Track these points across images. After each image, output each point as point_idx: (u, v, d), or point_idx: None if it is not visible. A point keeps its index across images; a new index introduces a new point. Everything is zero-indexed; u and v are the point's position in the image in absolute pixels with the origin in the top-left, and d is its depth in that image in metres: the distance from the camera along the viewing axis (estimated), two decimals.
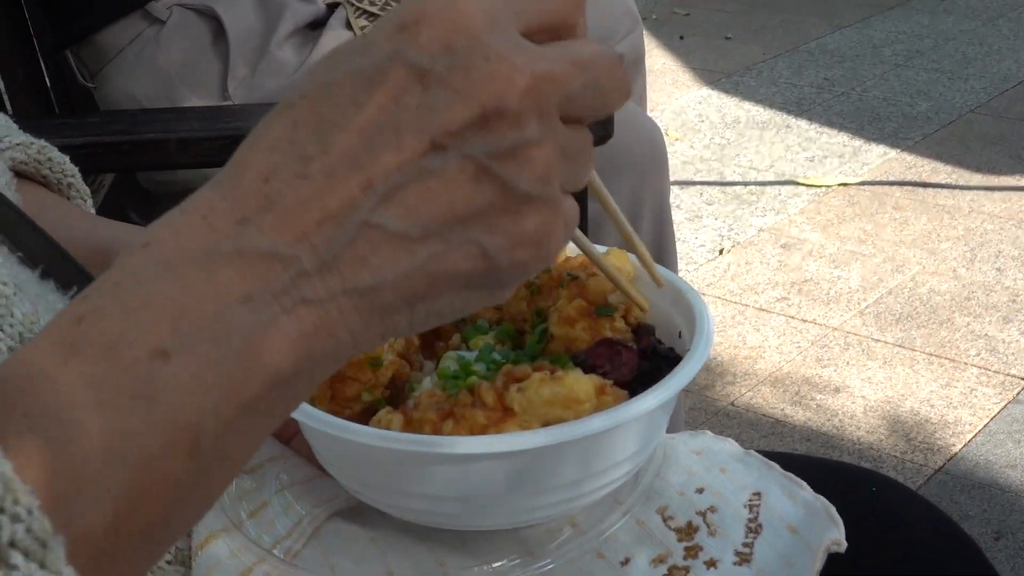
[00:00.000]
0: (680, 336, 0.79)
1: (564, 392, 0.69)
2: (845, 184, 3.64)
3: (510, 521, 0.74)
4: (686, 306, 0.79)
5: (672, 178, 3.72)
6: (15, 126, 1.02)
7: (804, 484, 0.78)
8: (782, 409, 2.64)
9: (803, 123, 4.10)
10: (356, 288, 0.53)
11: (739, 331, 2.94)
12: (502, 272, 0.56)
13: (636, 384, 0.74)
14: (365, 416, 0.74)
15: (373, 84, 0.53)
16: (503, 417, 0.69)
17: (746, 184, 3.69)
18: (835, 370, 2.76)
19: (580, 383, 0.69)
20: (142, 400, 0.49)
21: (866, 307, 3.00)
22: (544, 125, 0.55)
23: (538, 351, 0.78)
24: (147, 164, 1.78)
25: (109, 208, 2.01)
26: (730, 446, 0.83)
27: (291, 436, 0.84)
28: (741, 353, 2.85)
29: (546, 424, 0.69)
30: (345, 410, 0.74)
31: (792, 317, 2.98)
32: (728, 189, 3.67)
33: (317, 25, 2.01)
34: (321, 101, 0.54)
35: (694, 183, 3.72)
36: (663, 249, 2.18)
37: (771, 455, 0.81)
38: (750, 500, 0.77)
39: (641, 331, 0.80)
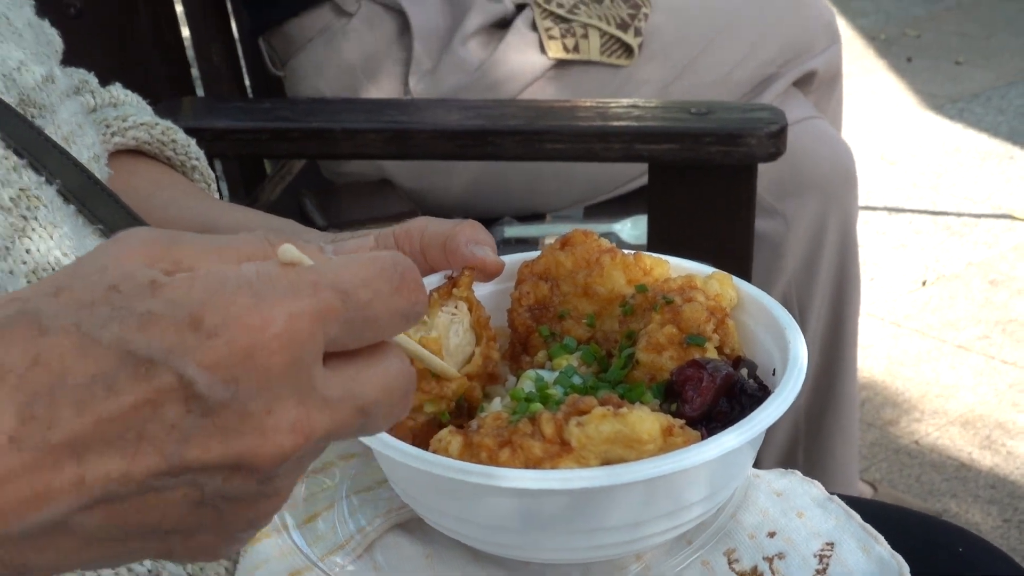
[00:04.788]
0: (774, 374, 0.74)
1: (626, 431, 0.64)
2: None
3: (568, 557, 0.70)
4: (783, 344, 0.74)
5: (882, 203, 3.59)
6: (146, 107, 1.03)
7: (881, 538, 0.72)
8: (969, 453, 2.50)
9: None
10: (26, 566, 0.49)
11: (933, 367, 2.80)
12: (180, 558, 0.53)
13: (715, 424, 0.69)
14: (430, 427, 0.72)
15: (136, 377, 0.47)
16: (560, 451, 0.65)
17: (959, 215, 3.53)
18: None
19: (644, 423, 0.64)
20: None
21: None
22: (291, 479, 0.51)
23: (620, 377, 0.73)
24: (312, 152, 1.79)
25: (289, 195, 2.04)
26: (815, 489, 0.77)
27: None
28: (932, 390, 2.72)
29: (605, 462, 0.65)
30: (408, 421, 0.71)
31: (992, 357, 2.83)
32: (939, 219, 3.52)
33: (503, 24, 1.99)
34: (72, 355, 0.47)
35: (904, 210, 3.58)
36: (846, 275, 2.09)
37: (859, 503, 0.75)
38: (822, 550, 0.71)
39: (739, 365, 0.75)
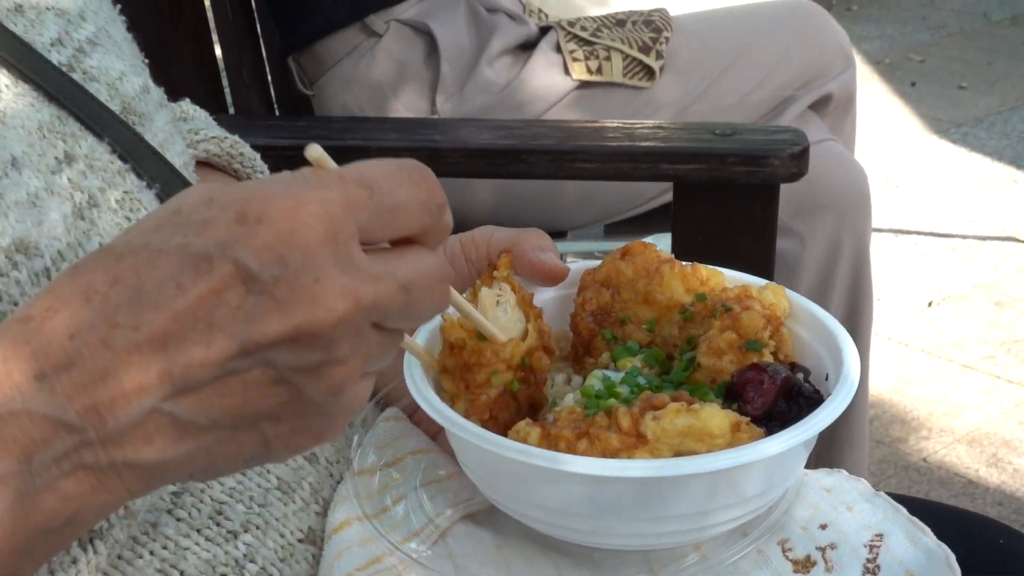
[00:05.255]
0: (827, 379, 0.78)
1: (699, 425, 0.69)
2: None
3: (635, 543, 0.75)
4: (836, 350, 0.78)
5: (888, 226, 3.64)
6: (213, 122, 1.08)
7: (928, 530, 0.77)
8: (976, 470, 2.55)
9: None
10: (136, 463, 0.55)
11: (940, 386, 2.85)
12: (278, 453, 0.59)
13: (775, 423, 0.73)
14: (504, 400, 0.75)
15: (199, 272, 0.54)
16: (636, 443, 0.69)
17: (964, 237, 3.58)
18: None
19: (715, 418, 0.69)
20: None
21: None
22: (354, 345, 0.56)
23: (683, 378, 0.78)
24: None
25: None
26: (861, 485, 0.81)
27: (437, 432, 0.86)
28: (940, 409, 2.77)
29: (678, 454, 0.70)
30: (481, 396, 0.75)
31: (998, 377, 2.87)
32: (945, 241, 3.57)
33: (528, 46, 2.04)
34: (145, 267, 0.54)
35: (910, 232, 3.63)
36: (859, 294, 2.14)
37: (903, 499, 0.80)
38: (871, 540, 0.75)
39: (794, 371, 0.79)
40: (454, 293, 0.70)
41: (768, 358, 0.77)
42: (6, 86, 0.73)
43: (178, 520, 0.73)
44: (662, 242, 2.00)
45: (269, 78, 2.14)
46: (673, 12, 2.14)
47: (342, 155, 1.66)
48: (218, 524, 0.74)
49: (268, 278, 0.54)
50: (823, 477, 0.82)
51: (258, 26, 2.11)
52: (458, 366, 0.74)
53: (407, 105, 1.98)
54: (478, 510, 0.81)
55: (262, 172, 1.07)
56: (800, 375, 0.76)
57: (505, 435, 0.72)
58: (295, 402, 0.56)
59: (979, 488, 2.49)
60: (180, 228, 0.55)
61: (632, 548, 0.75)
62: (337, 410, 0.58)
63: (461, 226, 2.24)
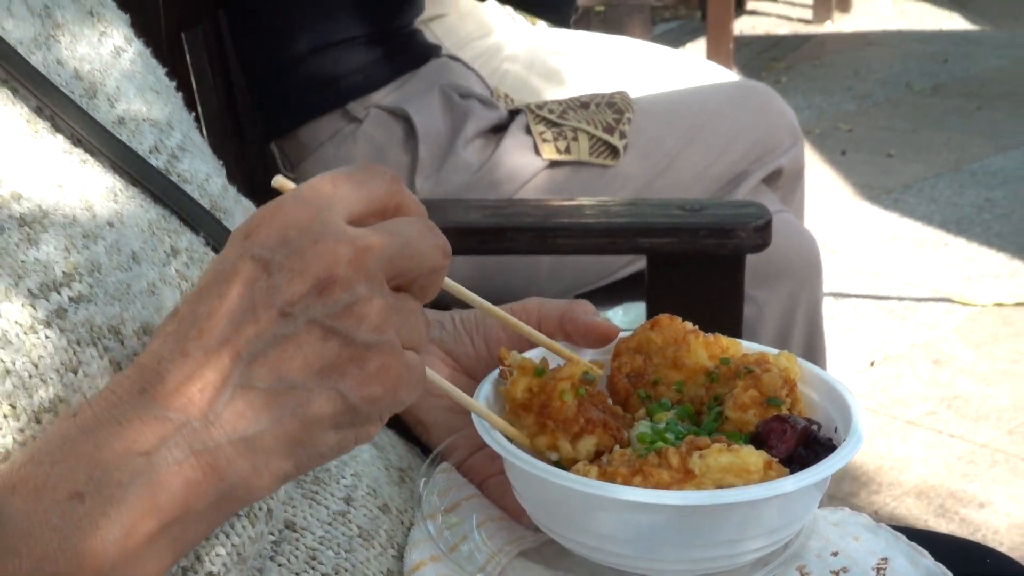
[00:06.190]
0: (836, 431, 0.90)
1: (739, 462, 0.81)
2: (1000, 304, 3.67)
3: (678, 569, 0.85)
4: (842, 405, 0.90)
5: (827, 289, 3.79)
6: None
7: (926, 553, 0.89)
8: (925, 521, 2.68)
9: (962, 242, 4.14)
10: (239, 437, 0.67)
11: (887, 442, 2.99)
12: (359, 410, 0.70)
13: (795, 465, 0.85)
14: (585, 411, 0.87)
15: (229, 279, 0.68)
16: (684, 478, 0.81)
17: (901, 299, 3.75)
18: (980, 486, 2.80)
19: (753, 456, 0.81)
20: (57, 532, 0.65)
21: (1015, 426, 3.03)
22: (371, 285, 0.68)
23: (714, 428, 0.89)
24: None
25: None
26: (864, 519, 0.93)
27: (483, 480, 0.97)
28: (887, 464, 2.91)
29: (719, 488, 0.81)
30: (565, 411, 0.86)
31: (940, 431, 3.02)
32: (882, 303, 3.73)
33: (499, 129, 2.17)
34: (194, 301, 0.69)
35: (849, 295, 3.79)
36: (814, 356, 2.27)
37: (899, 528, 0.92)
38: (878, 564, 0.87)
39: (806, 422, 0.91)
40: (534, 332, 0.89)
41: (785, 413, 0.89)
42: (120, 190, 0.83)
43: (279, 566, 0.83)
44: (630, 311, 2.13)
45: (252, 163, 2.25)
46: (632, 94, 2.29)
47: None
48: (313, 568, 0.85)
49: (280, 257, 0.67)
50: (829, 514, 0.94)
51: (239, 115, 2.22)
52: (534, 404, 0.85)
53: None
54: (531, 547, 0.91)
55: None
56: (814, 427, 0.88)
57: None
58: (347, 347, 0.68)
59: None
60: (209, 267, 0.71)
61: (674, 573, 0.86)
62: (389, 349, 0.69)
63: (441, 299, 2.35)
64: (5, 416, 0.69)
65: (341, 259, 0.67)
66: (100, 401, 0.68)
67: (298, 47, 2.11)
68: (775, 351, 0.93)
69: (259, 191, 2.27)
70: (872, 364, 3.37)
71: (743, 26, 7.20)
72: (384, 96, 2.12)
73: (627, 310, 2.08)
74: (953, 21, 7.34)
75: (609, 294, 2.22)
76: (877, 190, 4.66)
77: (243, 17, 2.16)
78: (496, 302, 0.94)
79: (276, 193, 0.73)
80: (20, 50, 0.83)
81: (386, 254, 0.69)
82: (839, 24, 7.35)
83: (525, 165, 2.11)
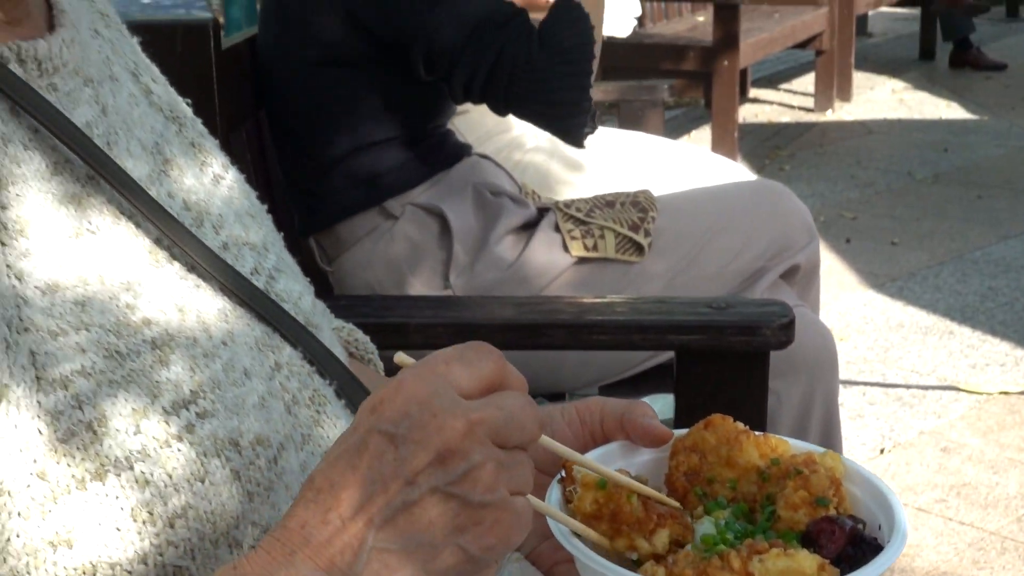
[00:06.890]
0: (880, 529, 0.98)
1: (795, 566, 0.88)
2: (1006, 392, 3.75)
3: None
4: (886, 505, 0.98)
5: None
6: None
7: None
8: None
9: (966, 330, 4.22)
10: None
11: None
12: (478, 559, 0.77)
13: (844, 565, 0.92)
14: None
15: (360, 452, 0.76)
16: None
17: (908, 387, 3.82)
18: (991, 573, 2.86)
19: (807, 560, 0.88)
20: None
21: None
22: (483, 452, 0.77)
23: (767, 527, 0.97)
24: (385, 344, 2.02)
25: None
26: None
27: (551, 567, 1.04)
28: None
29: None
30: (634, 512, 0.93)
31: (950, 519, 3.09)
32: (890, 391, 3.81)
33: (529, 226, 2.26)
34: (329, 472, 0.76)
35: (857, 383, 3.87)
36: (831, 445, 2.35)
37: None
38: None
39: (852, 521, 0.99)
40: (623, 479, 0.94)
41: (832, 512, 0.96)
42: (229, 311, 0.92)
43: None
44: (655, 403, 2.21)
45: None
46: (651, 189, 2.39)
47: (385, 331, 1.86)
48: None
49: (404, 430, 0.75)
50: None
51: (275, 212, 2.31)
52: (603, 513, 0.93)
53: (423, 281, 2.19)
54: None
55: (372, 353, 1.26)
56: (860, 526, 0.96)
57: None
58: (466, 509, 0.76)
59: None
60: (340, 440, 0.78)
61: None
62: (502, 505, 0.77)
63: None
64: (144, 523, 0.78)
65: (457, 432, 0.75)
66: (256, 559, 0.76)
67: (337, 147, 2.21)
68: (821, 450, 1.01)
69: None
70: (882, 451, 3.44)
71: (745, 113, 7.33)
72: (420, 194, 2.22)
73: (652, 402, 2.15)
74: (952, 110, 7.49)
75: (633, 384, 2.30)
76: (882, 278, 4.76)
77: (283, 117, 2.26)
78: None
79: None
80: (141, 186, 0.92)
81: (495, 426, 0.77)
82: (840, 112, 7.49)
83: (554, 262, 2.21)
